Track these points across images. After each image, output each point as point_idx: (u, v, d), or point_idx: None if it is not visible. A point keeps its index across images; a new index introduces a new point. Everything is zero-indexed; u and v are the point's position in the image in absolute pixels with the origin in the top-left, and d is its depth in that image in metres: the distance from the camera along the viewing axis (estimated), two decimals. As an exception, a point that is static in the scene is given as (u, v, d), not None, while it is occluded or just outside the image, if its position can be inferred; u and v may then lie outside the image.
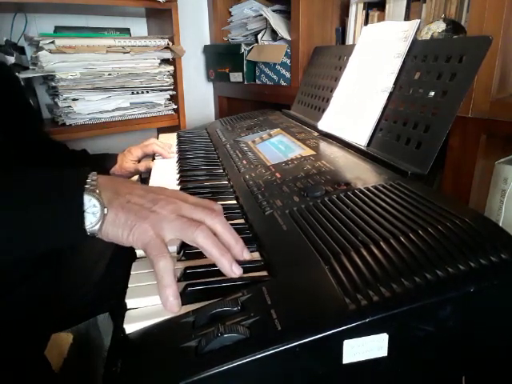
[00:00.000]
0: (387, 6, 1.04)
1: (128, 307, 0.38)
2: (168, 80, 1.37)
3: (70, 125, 1.21)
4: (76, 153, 0.93)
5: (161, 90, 1.37)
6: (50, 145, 0.91)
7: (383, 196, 0.49)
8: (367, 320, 0.31)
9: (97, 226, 0.37)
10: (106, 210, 0.38)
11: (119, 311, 0.38)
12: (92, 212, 0.37)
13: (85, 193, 0.37)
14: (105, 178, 0.40)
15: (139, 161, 0.95)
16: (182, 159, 0.85)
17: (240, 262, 0.41)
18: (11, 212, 0.35)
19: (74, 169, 0.40)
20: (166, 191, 0.43)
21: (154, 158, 0.93)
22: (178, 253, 0.48)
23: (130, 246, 0.40)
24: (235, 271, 0.39)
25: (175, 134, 1.09)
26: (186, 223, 0.39)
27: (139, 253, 0.47)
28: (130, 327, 0.36)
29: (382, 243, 0.39)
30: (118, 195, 0.39)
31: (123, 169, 0.93)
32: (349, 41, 1.18)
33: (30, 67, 1.20)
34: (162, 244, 0.38)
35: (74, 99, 1.19)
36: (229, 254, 0.40)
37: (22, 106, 0.86)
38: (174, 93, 1.40)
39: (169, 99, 1.41)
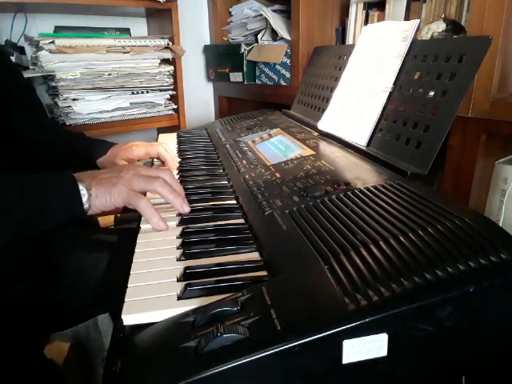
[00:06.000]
0: (387, 6, 1.04)
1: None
2: (168, 80, 1.37)
3: (70, 125, 1.21)
4: (70, 138, 0.88)
5: (161, 90, 1.37)
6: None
7: (383, 196, 0.49)
8: (367, 320, 0.31)
9: (87, 204, 0.52)
10: (89, 191, 0.53)
11: (119, 311, 0.38)
12: (82, 194, 0.52)
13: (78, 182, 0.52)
14: (82, 173, 0.56)
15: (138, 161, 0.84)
16: (182, 159, 0.85)
17: (239, 263, 0.44)
18: (35, 196, 0.50)
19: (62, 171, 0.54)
20: (125, 166, 0.64)
21: (152, 164, 0.86)
22: (178, 248, 0.49)
23: (130, 250, 0.47)
24: (185, 209, 0.56)
25: (175, 134, 1.09)
26: (147, 178, 0.55)
27: (137, 250, 0.49)
28: (128, 318, 0.36)
29: (381, 243, 0.39)
30: (93, 178, 0.54)
31: (114, 165, 0.79)
32: (349, 41, 1.18)
33: (30, 67, 1.20)
34: (137, 193, 0.54)
35: (73, 99, 1.19)
36: (180, 197, 0.56)
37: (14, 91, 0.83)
38: (174, 93, 1.40)
39: (169, 99, 1.40)
